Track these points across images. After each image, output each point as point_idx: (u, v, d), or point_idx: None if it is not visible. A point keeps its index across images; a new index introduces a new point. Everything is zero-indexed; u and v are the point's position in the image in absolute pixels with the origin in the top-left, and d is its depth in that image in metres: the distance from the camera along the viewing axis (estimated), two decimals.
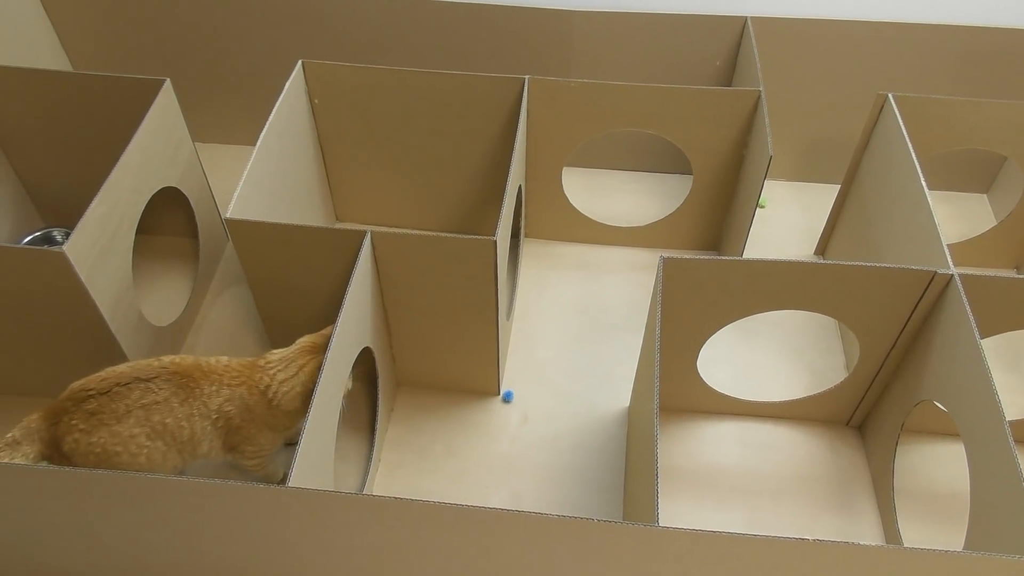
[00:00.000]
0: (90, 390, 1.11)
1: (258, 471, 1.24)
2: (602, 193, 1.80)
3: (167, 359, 1.16)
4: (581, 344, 1.54)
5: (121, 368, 1.14)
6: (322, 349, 1.15)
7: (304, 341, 1.19)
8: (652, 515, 0.93)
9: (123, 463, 1.11)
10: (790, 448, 1.39)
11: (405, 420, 1.43)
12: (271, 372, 1.16)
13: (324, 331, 1.19)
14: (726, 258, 1.15)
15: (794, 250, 1.70)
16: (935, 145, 1.46)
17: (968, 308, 1.07)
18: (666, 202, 1.75)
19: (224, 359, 1.19)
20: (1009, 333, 1.33)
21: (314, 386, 1.05)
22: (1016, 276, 1.12)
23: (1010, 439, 0.96)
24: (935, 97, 1.40)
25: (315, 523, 0.95)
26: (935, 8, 1.59)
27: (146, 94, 1.34)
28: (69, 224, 1.20)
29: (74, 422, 1.10)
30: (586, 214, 1.66)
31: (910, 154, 1.29)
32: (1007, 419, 0.99)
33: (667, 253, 1.14)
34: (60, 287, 1.18)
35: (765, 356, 1.52)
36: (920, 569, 0.89)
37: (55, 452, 1.11)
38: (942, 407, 1.15)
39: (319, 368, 1.07)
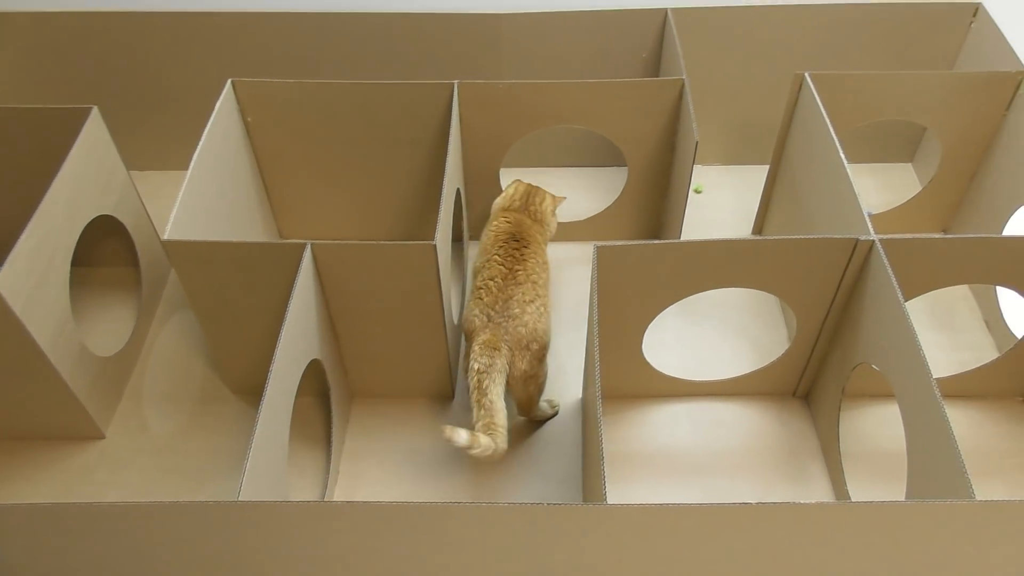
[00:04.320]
0: None
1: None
2: None
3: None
4: None
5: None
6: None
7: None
8: (602, 496, 0.95)
9: None
10: (741, 423, 1.43)
11: (362, 431, 1.44)
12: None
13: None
14: (656, 242, 1.18)
15: (732, 231, 1.75)
16: (855, 119, 1.51)
17: (891, 271, 1.11)
18: (605, 195, 1.78)
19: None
20: (939, 292, 1.39)
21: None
22: (933, 236, 1.17)
23: (937, 394, 1.01)
24: (850, 73, 1.46)
25: (269, 536, 0.95)
26: None
27: (74, 123, 1.33)
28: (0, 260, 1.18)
29: None
30: None
31: (829, 129, 1.33)
32: (935, 376, 1.03)
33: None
34: None
35: (711, 336, 1.56)
36: (863, 521, 0.92)
37: None
38: (877, 369, 1.19)
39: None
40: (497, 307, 1.28)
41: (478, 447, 1.16)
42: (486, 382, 1.21)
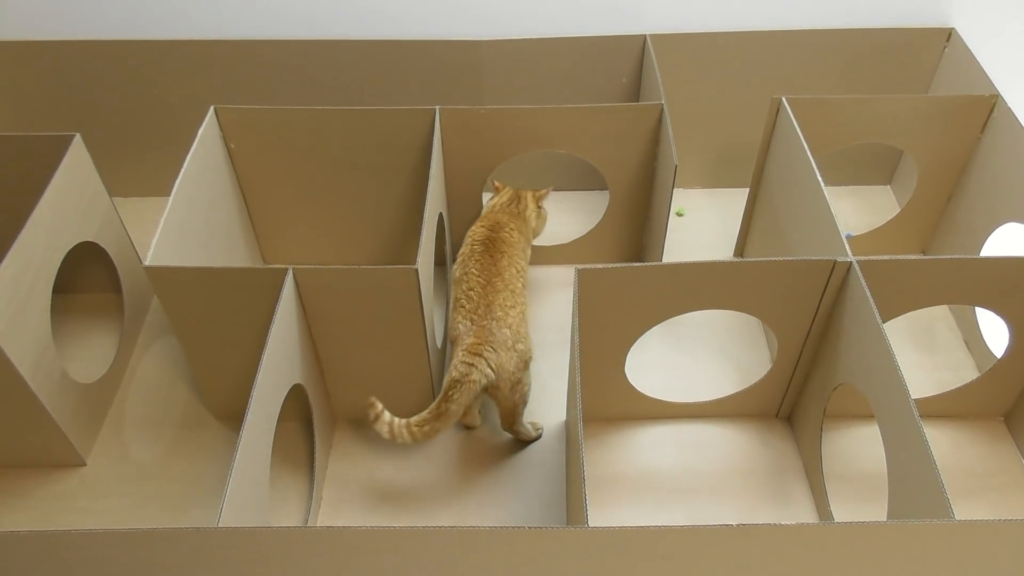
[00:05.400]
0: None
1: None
2: None
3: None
4: None
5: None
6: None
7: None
8: (583, 518, 0.95)
9: None
10: (724, 444, 1.43)
11: (345, 456, 1.43)
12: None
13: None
14: (638, 264, 1.19)
15: (714, 254, 1.76)
16: (832, 142, 1.53)
17: (868, 292, 1.13)
18: (587, 218, 1.80)
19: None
20: (919, 313, 1.40)
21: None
22: (911, 257, 1.18)
23: (916, 414, 1.01)
24: (826, 97, 1.48)
25: (250, 562, 0.94)
26: (820, 13, 1.67)
27: (56, 150, 1.33)
28: None
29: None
30: None
31: (806, 152, 1.35)
32: (914, 396, 1.04)
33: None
34: None
35: (694, 358, 1.56)
36: (844, 541, 0.92)
37: None
38: (858, 389, 1.20)
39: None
40: (479, 311, 1.31)
41: (386, 434, 1.25)
42: (455, 392, 1.25)
